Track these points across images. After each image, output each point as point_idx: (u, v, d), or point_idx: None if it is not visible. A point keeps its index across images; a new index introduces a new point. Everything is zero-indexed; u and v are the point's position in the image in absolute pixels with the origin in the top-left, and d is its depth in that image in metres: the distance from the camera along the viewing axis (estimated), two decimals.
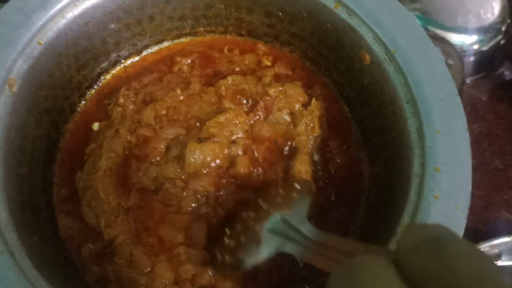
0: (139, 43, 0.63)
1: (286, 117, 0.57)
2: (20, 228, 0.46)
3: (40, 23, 0.52)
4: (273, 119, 0.57)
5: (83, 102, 0.61)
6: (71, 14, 0.54)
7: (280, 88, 0.58)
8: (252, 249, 0.44)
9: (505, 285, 0.22)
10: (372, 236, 0.49)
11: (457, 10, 0.87)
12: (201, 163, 0.51)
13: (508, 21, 0.86)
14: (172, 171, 0.51)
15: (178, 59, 0.63)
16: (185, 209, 0.50)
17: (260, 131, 0.55)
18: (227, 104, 0.57)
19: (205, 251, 0.49)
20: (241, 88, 0.59)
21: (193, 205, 0.51)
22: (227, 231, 0.48)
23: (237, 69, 0.62)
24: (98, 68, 0.61)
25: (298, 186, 0.47)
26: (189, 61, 0.63)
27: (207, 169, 0.52)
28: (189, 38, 0.66)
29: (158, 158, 0.53)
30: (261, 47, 0.64)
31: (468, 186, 0.43)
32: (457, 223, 0.42)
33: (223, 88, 0.58)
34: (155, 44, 0.65)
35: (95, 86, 0.62)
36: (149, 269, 0.49)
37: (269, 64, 0.63)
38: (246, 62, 0.63)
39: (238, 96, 0.58)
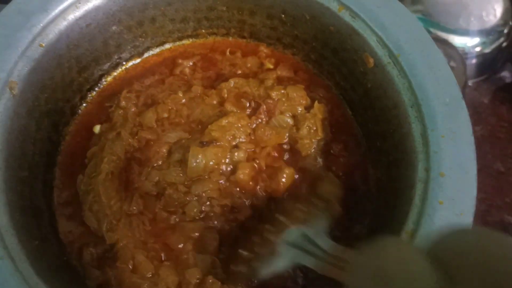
0: (140, 45, 0.63)
1: (289, 120, 0.57)
2: (21, 233, 0.45)
3: (41, 25, 0.52)
4: (276, 123, 0.56)
5: (84, 105, 0.61)
6: (72, 16, 0.54)
7: (282, 91, 0.57)
8: (268, 260, 0.45)
9: None
10: None
11: (459, 12, 0.87)
12: (204, 167, 0.51)
13: (510, 23, 0.86)
14: (175, 176, 0.51)
15: (180, 61, 0.62)
16: (190, 216, 0.50)
17: (262, 135, 0.55)
18: (229, 107, 0.57)
19: (213, 256, 0.49)
20: (243, 91, 0.58)
21: (195, 210, 0.50)
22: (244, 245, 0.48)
23: (239, 71, 0.62)
24: (99, 70, 0.61)
25: (319, 204, 0.47)
26: (191, 64, 0.63)
27: (209, 174, 0.51)
28: (191, 40, 0.65)
29: (160, 162, 0.53)
30: (264, 49, 0.64)
31: (473, 192, 0.42)
32: None
33: (225, 91, 0.58)
34: (157, 46, 0.64)
35: (96, 88, 0.62)
36: (151, 273, 0.49)
37: (271, 66, 0.62)
38: (248, 64, 0.62)
39: (240, 99, 0.58)
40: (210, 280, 0.49)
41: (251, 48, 0.64)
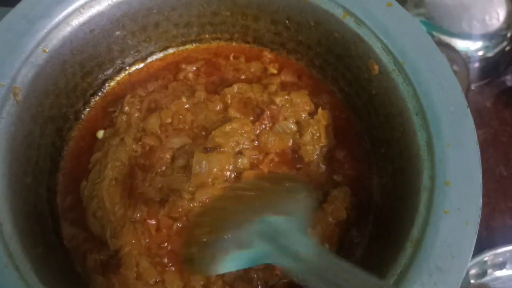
0: (144, 50, 0.63)
1: (293, 126, 0.56)
2: (25, 239, 0.45)
3: (45, 30, 0.52)
4: (280, 129, 0.56)
5: (87, 110, 0.61)
6: (76, 22, 0.54)
7: (286, 97, 0.57)
8: (235, 251, 0.39)
9: None
10: (379, 250, 0.49)
11: (462, 15, 0.87)
12: (208, 173, 0.51)
13: None
14: (178, 182, 0.51)
15: (183, 66, 0.62)
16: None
17: (266, 141, 0.55)
18: (232, 113, 0.57)
19: None
20: (247, 96, 0.58)
21: None
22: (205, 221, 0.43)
23: (243, 76, 0.62)
24: (103, 75, 0.61)
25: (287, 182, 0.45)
26: (194, 68, 0.62)
27: (214, 180, 0.51)
28: (194, 45, 0.65)
29: (164, 168, 0.53)
30: (267, 54, 0.63)
31: (478, 202, 0.42)
32: (467, 239, 0.41)
33: (229, 96, 0.58)
34: (160, 51, 0.64)
35: (100, 93, 0.62)
36: (155, 280, 0.49)
37: (275, 72, 0.62)
38: (252, 69, 0.62)
39: (244, 105, 0.58)
40: (215, 286, 0.49)
41: (255, 53, 0.64)
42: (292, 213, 0.40)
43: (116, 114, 0.58)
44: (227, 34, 0.64)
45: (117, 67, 0.62)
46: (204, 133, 0.56)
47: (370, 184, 0.55)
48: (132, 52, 0.62)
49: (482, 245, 0.73)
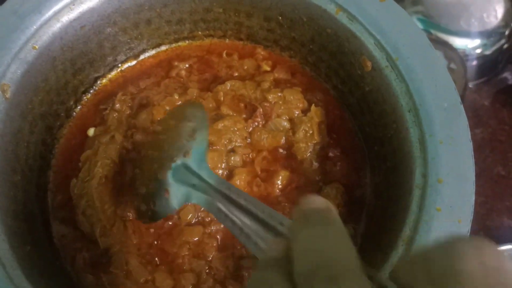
0: (136, 47, 0.62)
1: (285, 123, 0.56)
2: (12, 238, 0.45)
3: (35, 27, 0.51)
4: (272, 126, 0.56)
5: (79, 107, 0.60)
6: (66, 18, 0.53)
7: (279, 94, 0.57)
8: (162, 199, 0.43)
9: None
10: (372, 248, 0.48)
11: (460, 13, 0.86)
12: None
13: None
14: None
15: (176, 63, 0.62)
16: (185, 221, 0.49)
17: (259, 139, 0.54)
18: (225, 110, 0.56)
19: (211, 263, 0.49)
20: (239, 93, 0.58)
21: (190, 216, 0.50)
22: (138, 174, 0.48)
23: (236, 74, 0.61)
24: (94, 73, 0.60)
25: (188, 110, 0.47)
26: (187, 66, 0.62)
27: None
28: (187, 42, 0.64)
29: None
30: (261, 51, 0.63)
31: (471, 199, 0.42)
32: None
33: (221, 93, 0.57)
34: (153, 48, 0.63)
35: (92, 91, 0.61)
36: (145, 279, 0.49)
37: (268, 69, 0.62)
38: (245, 67, 0.62)
39: (236, 102, 0.57)
40: (205, 285, 0.48)
41: (248, 50, 0.64)
42: (196, 143, 0.45)
43: (107, 111, 0.58)
44: (220, 31, 0.63)
45: (109, 65, 0.61)
46: None
47: (363, 182, 0.55)
48: (124, 49, 0.61)
49: None
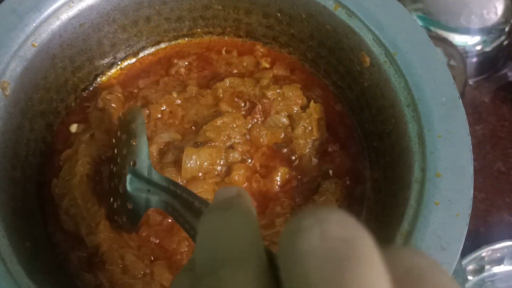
0: (135, 45, 0.62)
1: (284, 120, 0.56)
2: (12, 234, 0.45)
3: (34, 24, 0.51)
4: (271, 122, 0.56)
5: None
6: (65, 16, 0.53)
7: (278, 91, 0.57)
8: (128, 211, 0.45)
9: None
10: None
11: (459, 10, 0.86)
12: (198, 168, 0.50)
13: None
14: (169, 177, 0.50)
15: (175, 61, 0.62)
16: None
17: (258, 135, 0.54)
18: (224, 107, 0.56)
19: None
20: (238, 90, 0.58)
21: None
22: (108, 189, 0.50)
23: (235, 71, 0.61)
24: (94, 70, 0.60)
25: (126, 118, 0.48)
26: (186, 63, 0.62)
27: (204, 175, 0.51)
28: (186, 39, 0.65)
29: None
30: (260, 48, 0.63)
31: (469, 193, 0.42)
32: (458, 231, 0.41)
33: (221, 90, 0.57)
34: (152, 45, 0.63)
35: (91, 88, 0.61)
36: (143, 273, 0.49)
37: (267, 66, 0.62)
38: (244, 64, 0.62)
39: (235, 99, 0.57)
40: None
41: (247, 47, 0.64)
42: (138, 149, 0.45)
43: (90, 110, 0.58)
44: (219, 28, 0.63)
45: (109, 62, 0.62)
46: (194, 128, 0.55)
47: (363, 177, 0.55)
48: (123, 46, 0.61)
49: (480, 241, 0.73)
